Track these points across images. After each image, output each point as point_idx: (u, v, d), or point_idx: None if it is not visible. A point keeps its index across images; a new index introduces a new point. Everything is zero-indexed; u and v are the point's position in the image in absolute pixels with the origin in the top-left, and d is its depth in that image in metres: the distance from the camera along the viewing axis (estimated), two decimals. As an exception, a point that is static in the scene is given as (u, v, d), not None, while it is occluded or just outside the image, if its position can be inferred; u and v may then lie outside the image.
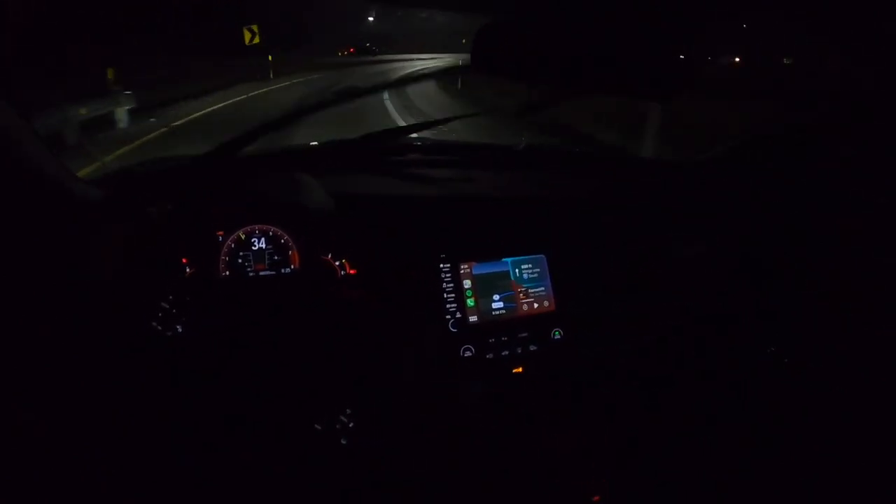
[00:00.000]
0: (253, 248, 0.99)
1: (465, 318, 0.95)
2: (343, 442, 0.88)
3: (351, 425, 0.89)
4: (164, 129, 6.87)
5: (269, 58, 13.81)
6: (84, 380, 0.86)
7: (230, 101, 9.81)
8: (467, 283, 0.96)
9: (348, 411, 0.90)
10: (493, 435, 0.97)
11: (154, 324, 0.89)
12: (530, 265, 0.99)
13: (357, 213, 0.98)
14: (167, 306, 0.90)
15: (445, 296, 0.95)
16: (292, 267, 0.99)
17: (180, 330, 0.90)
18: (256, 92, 10.91)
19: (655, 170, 1.12)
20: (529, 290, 0.99)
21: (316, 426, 0.88)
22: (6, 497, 0.75)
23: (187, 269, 0.98)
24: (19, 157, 0.84)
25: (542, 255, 1.00)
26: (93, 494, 0.82)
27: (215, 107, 9.27)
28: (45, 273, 0.87)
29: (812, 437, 1.01)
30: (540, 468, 0.98)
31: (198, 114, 8.46)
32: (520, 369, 0.98)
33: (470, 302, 0.96)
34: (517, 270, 0.98)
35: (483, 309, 0.96)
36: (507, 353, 0.97)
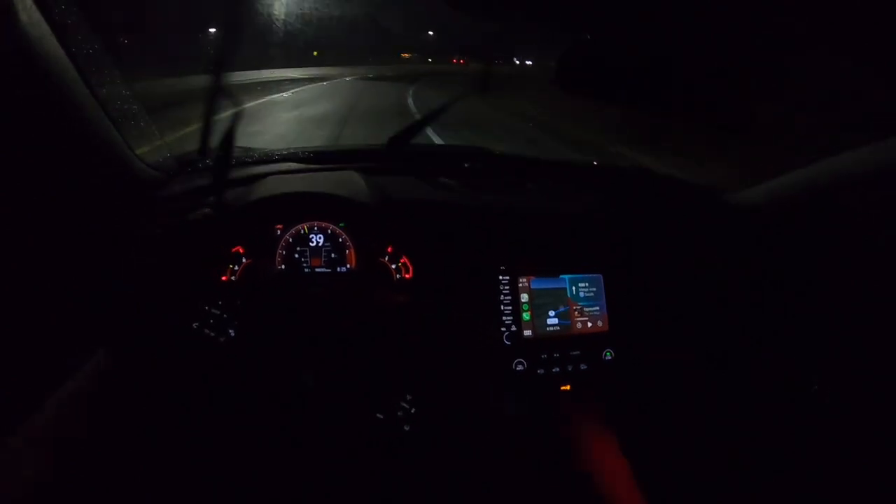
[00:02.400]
0: (311, 244, 0.99)
1: (519, 331, 0.95)
2: (406, 428, 0.89)
3: (413, 411, 0.89)
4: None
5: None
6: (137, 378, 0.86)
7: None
8: (524, 297, 0.96)
9: (409, 397, 0.90)
10: (536, 448, 0.96)
11: (206, 331, 0.89)
12: (587, 284, 0.99)
13: (417, 218, 0.98)
14: (217, 312, 0.90)
15: (503, 308, 0.95)
16: (348, 266, 0.99)
17: (232, 334, 0.90)
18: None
19: (714, 200, 1.11)
20: (584, 309, 0.98)
21: (378, 415, 0.88)
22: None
23: (244, 260, 0.98)
24: (85, 130, 0.84)
25: (600, 275, 0.99)
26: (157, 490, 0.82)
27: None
28: (90, 264, 0.87)
29: (856, 477, 1.00)
30: (578, 485, 0.97)
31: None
32: (568, 387, 0.98)
33: (526, 316, 0.95)
34: (574, 288, 0.98)
35: (538, 324, 0.96)
36: (557, 369, 0.96)
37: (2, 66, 0.68)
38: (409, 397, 0.91)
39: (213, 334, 0.88)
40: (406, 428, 0.90)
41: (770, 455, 1.05)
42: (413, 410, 0.91)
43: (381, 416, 0.90)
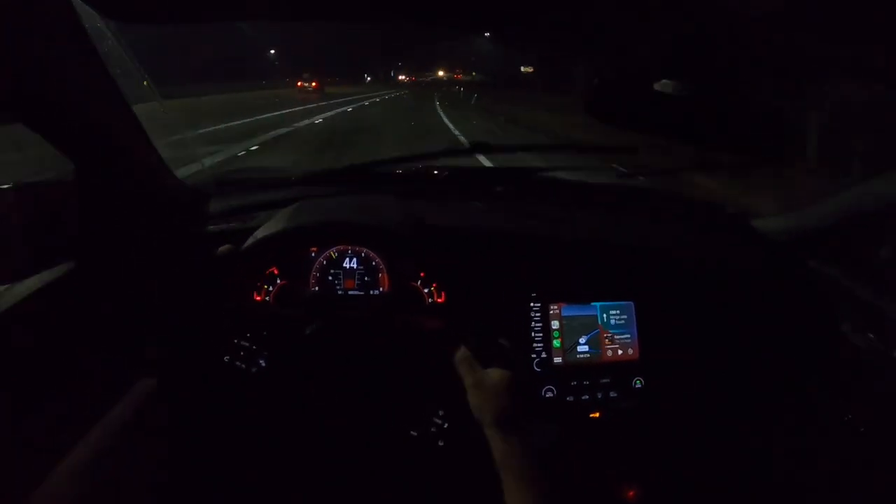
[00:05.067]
0: (344, 266, 1.00)
1: (549, 358, 0.95)
2: (440, 444, 0.90)
3: (446, 426, 0.90)
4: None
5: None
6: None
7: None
8: (555, 324, 0.96)
9: (441, 412, 0.91)
10: (565, 477, 0.97)
11: (237, 363, 0.91)
12: (618, 311, 0.98)
13: (449, 244, 0.99)
14: (247, 344, 0.92)
15: (533, 335, 0.95)
16: (381, 289, 1.00)
17: (263, 364, 0.92)
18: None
19: (745, 227, 1.10)
20: (615, 337, 0.98)
21: (411, 433, 0.90)
22: None
23: (278, 281, 1.00)
24: (125, 147, 0.87)
25: (631, 302, 0.99)
26: None
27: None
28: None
29: None
30: None
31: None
32: (597, 414, 0.98)
33: (556, 343, 0.96)
34: (605, 315, 0.98)
35: (568, 351, 0.96)
36: (587, 397, 0.96)
37: (52, 83, 0.71)
38: (441, 413, 0.92)
39: (244, 366, 0.90)
40: (440, 444, 0.91)
41: (801, 483, 1.04)
42: (446, 426, 0.92)
43: (415, 433, 0.91)
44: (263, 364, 0.91)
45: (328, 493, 0.90)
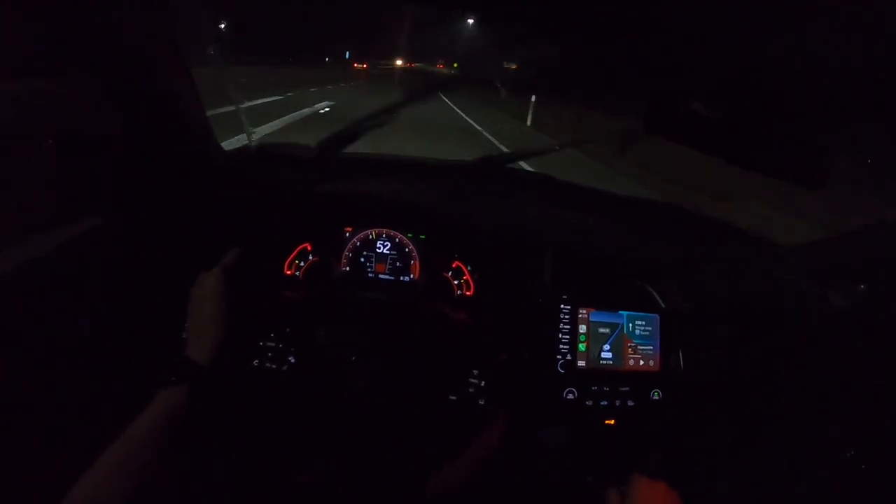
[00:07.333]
0: (377, 250, 1.00)
1: (574, 361, 0.96)
2: (481, 403, 0.92)
3: (482, 384, 0.93)
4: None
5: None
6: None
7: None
8: (582, 329, 0.97)
9: (475, 372, 0.93)
10: (574, 480, 0.98)
11: (268, 364, 0.91)
12: (644, 322, 0.99)
13: (487, 240, 0.99)
14: (273, 344, 0.91)
15: (560, 336, 0.96)
16: (412, 276, 1.00)
17: (293, 361, 0.92)
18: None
19: (773, 253, 1.11)
20: (638, 347, 0.99)
21: (451, 397, 0.92)
22: None
23: (310, 257, 0.99)
24: (177, 108, 0.85)
25: (657, 315, 1.00)
26: None
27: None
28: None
29: None
30: None
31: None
32: (612, 421, 0.99)
33: (581, 347, 0.96)
34: (631, 325, 0.99)
35: (592, 356, 0.97)
36: (605, 402, 0.97)
37: (126, 38, 0.70)
38: (475, 372, 0.94)
39: (274, 366, 0.90)
40: (481, 402, 0.93)
41: None
42: (483, 384, 0.94)
43: (455, 398, 0.93)
44: (293, 360, 0.91)
45: (375, 469, 0.90)
